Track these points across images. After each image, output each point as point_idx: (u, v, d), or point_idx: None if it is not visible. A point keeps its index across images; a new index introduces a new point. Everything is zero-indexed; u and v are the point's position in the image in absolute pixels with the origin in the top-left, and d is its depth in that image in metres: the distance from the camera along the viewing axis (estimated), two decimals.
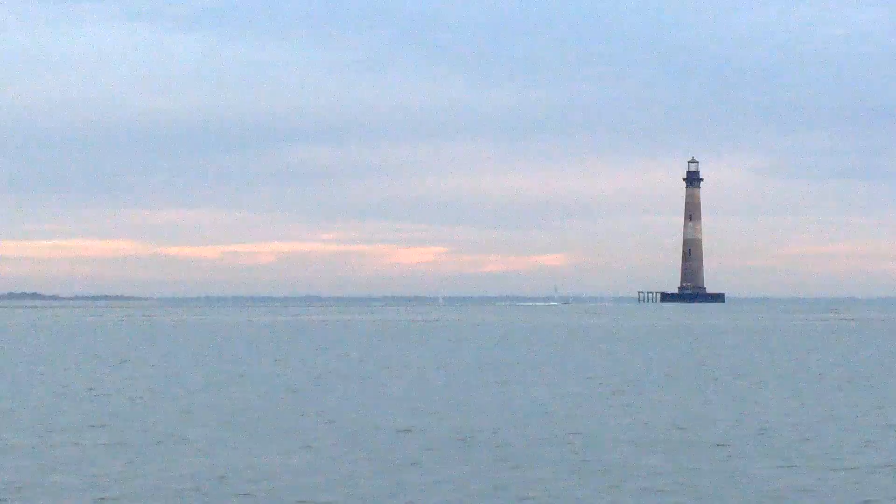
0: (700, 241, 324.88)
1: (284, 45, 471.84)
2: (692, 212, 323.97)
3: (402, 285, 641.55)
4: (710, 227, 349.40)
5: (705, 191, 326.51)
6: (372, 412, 31.36)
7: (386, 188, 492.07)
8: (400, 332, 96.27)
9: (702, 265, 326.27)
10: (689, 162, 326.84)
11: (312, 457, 22.99)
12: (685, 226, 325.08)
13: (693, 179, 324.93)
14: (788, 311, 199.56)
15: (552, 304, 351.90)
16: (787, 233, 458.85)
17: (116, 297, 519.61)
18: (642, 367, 50.60)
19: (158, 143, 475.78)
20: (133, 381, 42.77)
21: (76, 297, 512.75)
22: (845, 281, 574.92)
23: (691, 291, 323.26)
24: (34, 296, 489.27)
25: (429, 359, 56.62)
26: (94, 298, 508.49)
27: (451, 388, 39.35)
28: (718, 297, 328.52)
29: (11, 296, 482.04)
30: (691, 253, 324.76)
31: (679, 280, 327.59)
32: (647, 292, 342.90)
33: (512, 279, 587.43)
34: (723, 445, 24.68)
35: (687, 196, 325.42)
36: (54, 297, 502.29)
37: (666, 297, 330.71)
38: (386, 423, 28.78)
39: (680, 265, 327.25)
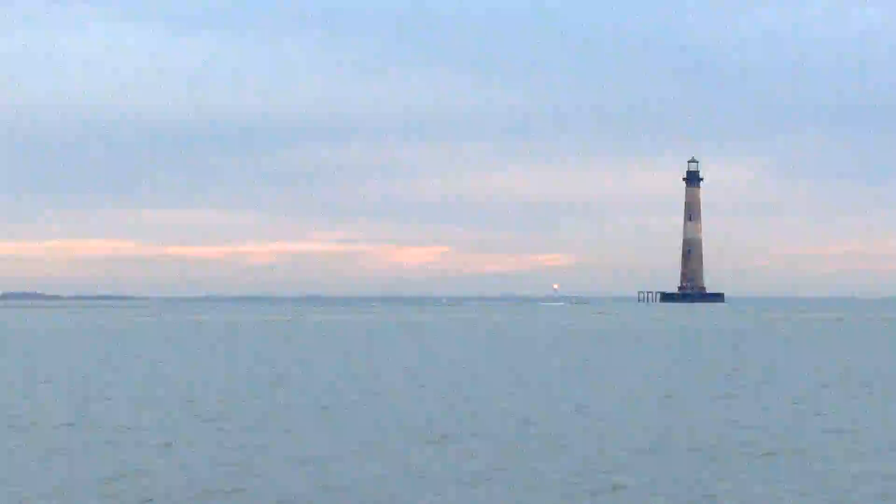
0: (700, 241, 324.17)
1: (285, 46, 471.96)
2: (692, 212, 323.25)
3: (403, 285, 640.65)
4: (710, 227, 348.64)
5: (705, 191, 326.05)
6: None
7: (386, 188, 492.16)
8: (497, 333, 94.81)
9: (702, 265, 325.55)
10: (689, 162, 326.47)
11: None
12: (685, 226, 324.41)
13: (693, 179, 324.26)
14: (801, 312, 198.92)
15: (560, 303, 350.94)
16: (787, 233, 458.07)
17: (117, 297, 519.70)
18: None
19: (159, 143, 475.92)
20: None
21: (76, 297, 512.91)
22: (845, 281, 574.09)
23: (691, 291, 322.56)
24: (34, 296, 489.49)
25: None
26: (95, 298, 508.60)
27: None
28: (718, 297, 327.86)
29: (11, 296, 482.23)
30: (691, 253, 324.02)
31: (679, 280, 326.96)
32: (647, 292, 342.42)
33: (512, 279, 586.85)
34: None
35: (687, 196, 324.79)
36: (54, 297, 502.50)
37: (665, 296, 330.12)
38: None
39: (680, 265, 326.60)
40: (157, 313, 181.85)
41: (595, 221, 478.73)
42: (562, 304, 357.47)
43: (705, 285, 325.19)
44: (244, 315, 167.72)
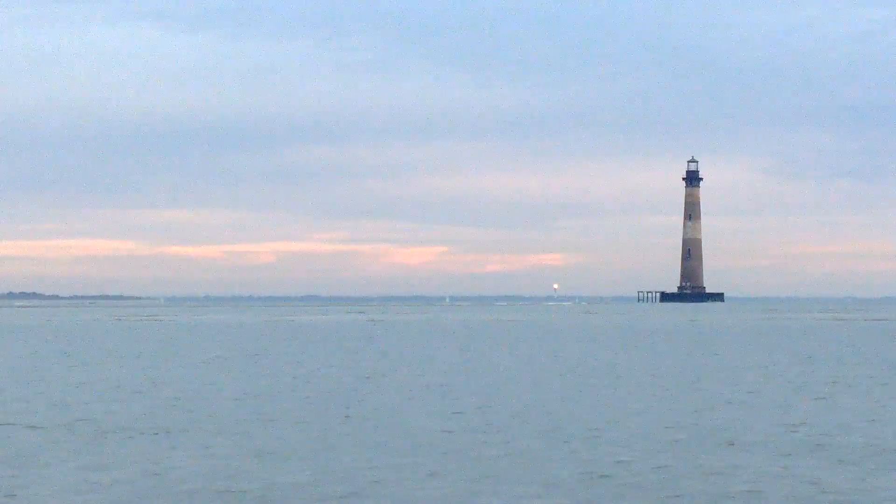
0: (699, 240, 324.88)
1: (286, 46, 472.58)
2: (692, 211, 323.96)
3: (403, 285, 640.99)
4: (710, 227, 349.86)
5: (705, 190, 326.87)
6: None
7: (386, 188, 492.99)
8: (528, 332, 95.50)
9: (701, 265, 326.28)
10: (688, 161, 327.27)
11: None
12: (685, 225, 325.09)
13: (693, 179, 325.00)
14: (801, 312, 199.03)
15: (568, 303, 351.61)
16: (787, 233, 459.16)
17: (117, 297, 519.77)
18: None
19: (158, 143, 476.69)
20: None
21: (76, 297, 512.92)
22: (845, 281, 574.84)
23: (691, 291, 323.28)
24: (34, 296, 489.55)
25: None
26: (95, 298, 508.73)
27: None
28: (718, 297, 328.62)
29: (11, 296, 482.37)
30: (691, 253, 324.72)
31: (678, 280, 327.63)
32: (647, 292, 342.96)
33: (512, 279, 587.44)
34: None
35: (686, 196, 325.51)
36: (54, 297, 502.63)
37: (665, 296, 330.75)
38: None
39: (679, 265, 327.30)
40: (167, 313, 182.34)
41: (595, 221, 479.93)
42: (569, 303, 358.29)
43: (705, 285, 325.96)
44: (250, 315, 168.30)
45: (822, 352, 63.34)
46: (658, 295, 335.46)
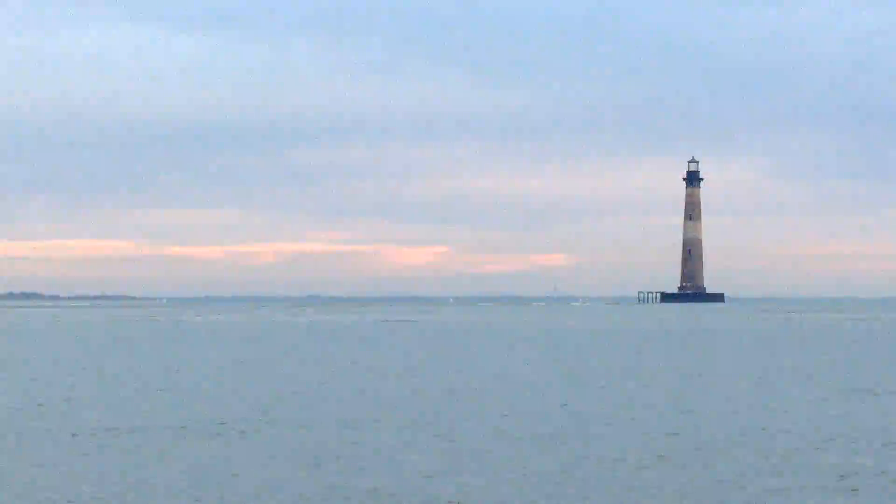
0: (700, 241, 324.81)
1: (287, 47, 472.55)
2: (692, 212, 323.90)
3: (403, 285, 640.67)
4: (710, 227, 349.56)
5: (705, 191, 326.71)
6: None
7: (386, 188, 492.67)
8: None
9: (702, 265, 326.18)
10: (689, 162, 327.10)
11: None
12: (685, 226, 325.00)
13: (693, 179, 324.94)
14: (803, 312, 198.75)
15: (582, 303, 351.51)
16: (787, 233, 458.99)
17: (117, 297, 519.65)
18: None
19: (159, 143, 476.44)
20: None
21: (76, 297, 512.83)
22: (845, 281, 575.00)
23: (691, 291, 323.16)
24: (34, 296, 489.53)
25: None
26: (95, 298, 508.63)
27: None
28: (718, 297, 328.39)
29: (11, 296, 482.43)
30: (691, 253, 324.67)
31: (679, 280, 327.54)
32: (647, 292, 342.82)
33: (512, 279, 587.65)
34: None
35: (687, 196, 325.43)
36: (54, 297, 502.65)
37: (666, 297, 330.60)
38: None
39: (680, 265, 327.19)
40: (170, 314, 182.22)
41: (595, 221, 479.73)
42: (582, 303, 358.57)
43: (705, 285, 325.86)
44: (261, 315, 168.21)
45: None
46: (658, 295, 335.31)
